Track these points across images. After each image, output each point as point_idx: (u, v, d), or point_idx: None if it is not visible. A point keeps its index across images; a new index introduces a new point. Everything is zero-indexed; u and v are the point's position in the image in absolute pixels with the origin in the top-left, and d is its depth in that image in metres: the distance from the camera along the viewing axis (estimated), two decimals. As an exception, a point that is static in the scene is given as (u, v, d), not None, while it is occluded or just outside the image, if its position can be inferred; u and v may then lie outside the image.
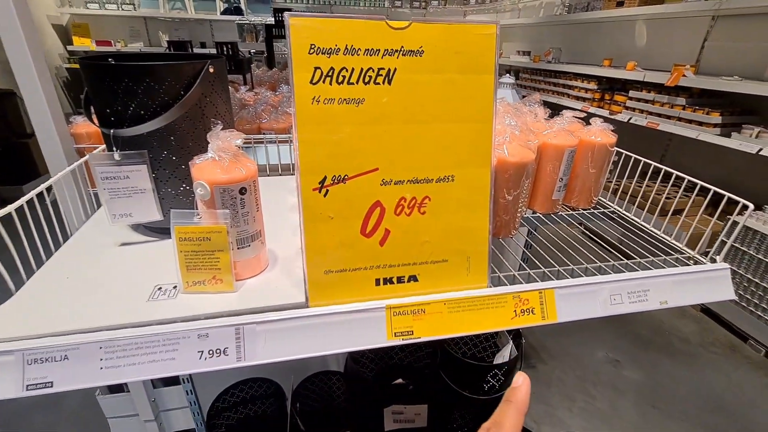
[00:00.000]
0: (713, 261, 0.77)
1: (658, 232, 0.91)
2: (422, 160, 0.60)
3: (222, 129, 0.56)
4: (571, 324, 0.66)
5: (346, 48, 0.54)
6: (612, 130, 0.95)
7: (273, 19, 3.02)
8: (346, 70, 0.55)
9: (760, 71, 2.73)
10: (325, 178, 0.57)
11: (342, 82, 0.55)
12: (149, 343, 0.54)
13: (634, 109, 3.43)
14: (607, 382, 2.29)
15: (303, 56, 0.53)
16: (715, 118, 2.78)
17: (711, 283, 0.73)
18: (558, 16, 4.66)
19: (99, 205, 0.97)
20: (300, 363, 1.46)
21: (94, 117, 0.70)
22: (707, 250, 0.78)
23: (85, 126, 1.20)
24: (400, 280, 0.63)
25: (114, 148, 0.65)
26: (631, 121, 3.39)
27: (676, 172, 0.91)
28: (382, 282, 0.62)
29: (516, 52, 5.45)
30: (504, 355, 1.06)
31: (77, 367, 0.53)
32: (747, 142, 2.60)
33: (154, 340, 0.54)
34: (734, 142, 2.64)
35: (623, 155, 1.01)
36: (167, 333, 0.54)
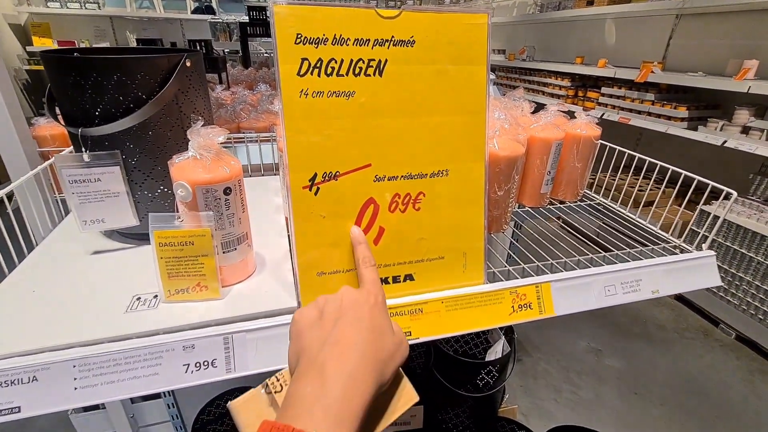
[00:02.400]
0: (699, 249, 0.78)
1: (644, 223, 0.92)
2: (416, 154, 0.58)
3: (203, 125, 0.52)
4: (553, 316, 0.66)
5: (335, 38, 0.52)
6: (597, 123, 0.95)
7: (247, 17, 2.95)
8: (335, 61, 0.52)
9: (723, 67, 2.85)
10: (315, 175, 0.54)
11: (331, 74, 0.52)
12: (129, 359, 0.50)
13: (606, 105, 3.53)
14: (590, 371, 2.34)
15: (289, 46, 0.50)
16: (682, 112, 2.89)
17: (699, 270, 0.74)
18: (531, 15, 4.75)
19: (67, 212, 0.91)
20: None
21: (59, 116, 0.65)
22: (710, 238, 0.79)
23: (49, 128, 1.13)
24: (396, 279, 0.61)
25: (83, 149, 0.60)
26: (604, 117, 3.49)
27: (660, 163, 0.93)
28: (377, 282, 0.60)
29: (492, 51, 5.52)
30: (497, 351, 1.06)
31: (48, 389, 0.48)
32: (712, 134, 2.71)
33: (135, 355, 0.50)
34: (701, 135, 2.75)
35: (607, 147, 1.02)
36: (149, 346, 0.50)
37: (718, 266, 2.51)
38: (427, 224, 0.61)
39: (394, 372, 0.44)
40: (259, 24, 2.94)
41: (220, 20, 3.56)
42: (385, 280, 0.60)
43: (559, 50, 4.57)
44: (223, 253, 0.57)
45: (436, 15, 0.55)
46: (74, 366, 0.48)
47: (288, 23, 0.50)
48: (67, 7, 5.48)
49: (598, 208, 0.99)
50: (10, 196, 0.70)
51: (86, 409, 1.62)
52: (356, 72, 0.53)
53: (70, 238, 0.76)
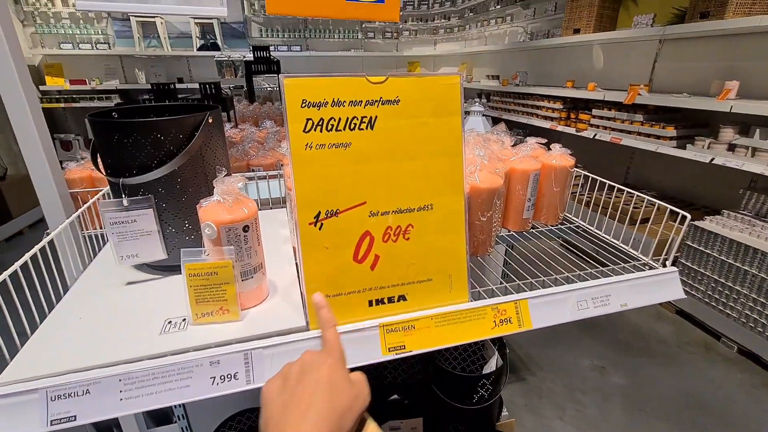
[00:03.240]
0: (665, 266, 0.87)
1: (618, 242, 1.01)
2: (404, 192, 0.69)
3: (225, 175, 0.63)
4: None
5: (333, 101, 0.63)
6: (570, 154, 1.06)
7: (252, 56, 3.15)
8: (334, 120, 0.64)
9: (706, 88, 2.99)
10: (319, 213, 0.65)
11: (331, 130, 0.64)
12: (165, 373, 0.59)
13: (598, 126, 3.67)
14: (594, 388, 2.36)
15: (296, 110, 0.62)
16: (671, 131, 3.01)
17: (663, 285, 0.83)
18: (522, 43, 4.97)
19: (94, 248, 1.01)
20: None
21: (101, 166, 0.76)
22: (671, 256, 0.88)
23: (79, 171, 1.25)
24: (390, 300, 0.70)
25: (122, 195, 0.71)
26: (596, 137, 3.62)
27: (637, 193, 1.01)
28: (374, 303, 0.69)
29: (486, 77, 5.74)
30: (491, 366, 1.13)
31: (98, 400, 0.57)
32: (700, 152, 2.82)
33: (170, 370, 0.59)
34: (689, 153, 2.86)
35: (590, 178, 1.12)
36: (181, 362, 0.60)
37: (716, 280, 2.56)
38: (416, 251, 0.70)
39: (356, 419, 0.49)
40: (263, 62, 3.14)
41: (226, 58, 3.78)
42: (380, 301, 0.70)
43: (551, 75, 4.76)
44: (242, 280, 0.67)
45: (417, 79, 0.67)
46: (120, 380, 0.58)
47: (295, 92, 0.61)
48: (79, 48, 5.81)
49: (577, 230, 1.08)
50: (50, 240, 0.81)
51: (102, 434, 1.68)
52: (351, 127, 0.65)
53: (105, 272, 0.86)
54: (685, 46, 3.31)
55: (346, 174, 0.65)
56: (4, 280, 0.63)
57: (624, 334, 2.83)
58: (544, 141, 1.09)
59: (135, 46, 6.01)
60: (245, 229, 0.65)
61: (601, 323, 2.92)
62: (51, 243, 0.84)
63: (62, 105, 5.89)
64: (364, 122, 0.65)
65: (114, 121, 0.71)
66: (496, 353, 1.11)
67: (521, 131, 4.89)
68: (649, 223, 3.02)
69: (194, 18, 6.11)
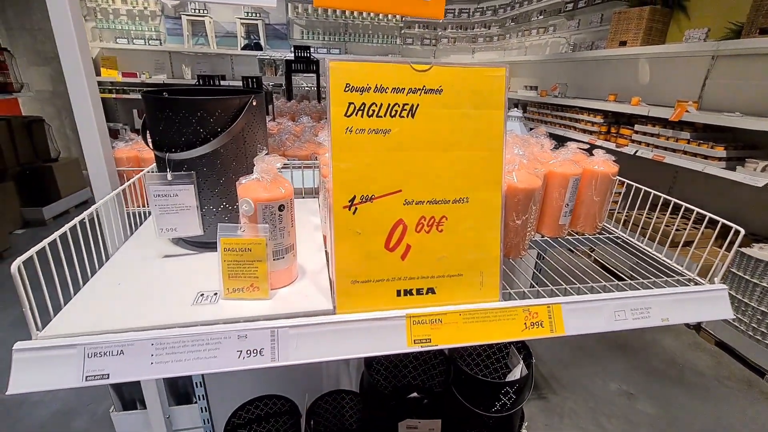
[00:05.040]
0: (712, 282, 0.82)
1: (661, 256, 0.96)
2: (440, 183, 0.68)
3: (266, 154, 0.64)
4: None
5: (376, 87, 0.63)
6: (614, 161, 1.02)
7: (293, 55, 3.23)
8: (376, 105, 0.64)
9: (761, 108, 2.82)
10: (354, 197, 0.65)
11: (372, 115, 0.64)
12: (194, 342, 0.60)
13: (640, 143, 3.52)
14: (620, 414, 2.25)
15: (339, 93, 0.62)
16: (720, 152, 2.85)
17: (709, 302, 0.78)
18: (564, 54, 4.86)
19: (136, 224, 1.06)
20: (314, 382, 1.49)
21: (149, 141, 0.80)
22: (720, 273, 0.82)
23: (126, 151, 1.31)
24: (419, 291, 0.69)
25: (167, 169, 0.74)
26: (637, 154, 3.48)
27: (685, 204, 0.95)
28: (403, 293, 0.68)
29: (523, 87, 5.65)
30: (515, 374, 1.09)
31: (130, 361, 0.59)
32: (752, 175, 2.65)
33: (199, 340, 0.60)
34: (739, 176, 2.70)
35: (633, 187, 1.06)
36: (211, 333, 0.61)
37: (763, 312, 2.39)
38: (449, 244, 0.69)
39: None
40: (303, 61, 3.21)
41: (268, 56, 3.90)
42: (409, 292, 0.69)
43: (592, 87, 4.62)
44: (274, 260, 0.68)
45: (461, 69, 0.66)
46: (152, 344, 0.59)
47: (340, 75, 0.62)
48: (133, 43, 6.17)
49: (617, 241, 1.04)
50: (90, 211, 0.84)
51: (125, 407, 1.75)
52: (392, 114, 0.65)
53: (144, 245, 0.90)
54: (740, 63, 3.14)
55: (383, 160, 0.65)
56: (54, 241, 0.66)
57: (657, 361, 2.68)
58: (587, 146, 1.05)
59: (184, 43, 6.32)
60: (281, 208, 0.65)
61: (633, 346, 2.78)
62: (96, 214, 0.88)
63: (113, 96, 6.26)
64: (406, 110, 0.65)
65: (165, 97, 0.74)
66: (522, 362, 1.07)
67: (558, 144, 4.77)
68: (693, 247, 2.86)
69: (240, 19, 6.37)
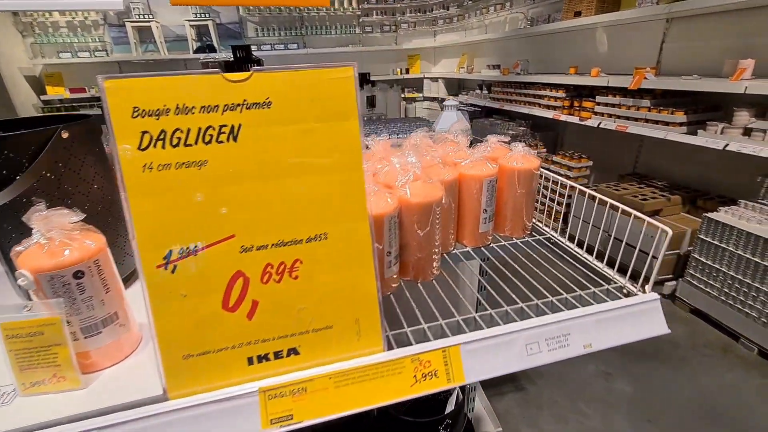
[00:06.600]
0: (643, 291, 0.70)
1: (591, 258, 0.84)
2: (287, 219, 0.54)
3: (48, 207, 0.49)
4: None
5: (178, 107, 0.49)
6: (536, 154, 0.89)
7: (233, 55, 3.01)
8: (181, 131, 0.49)
9: (718, 68, 2.73)
10: (170, 252, 0.50)
11: (177, 145, 0.49)
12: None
13: (602, 114, 3.43)
14: (599, 397, 2.19)
15: (125, 121, 0.47)
16: (680, 117, 2.78)
17: (640, 317, 0.66)
18: (523, 30, 4.72)
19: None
20: None
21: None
22: (653, 278, 0.71)
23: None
24: (277, 355, 0.56)
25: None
26: (601, 126, 3.39)
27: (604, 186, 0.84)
28: (255, 360, 0.55)
29: (486, 66, 5.51)
30: (452, 401, 0.97)
31: None
32: (713, 138, 2.57)
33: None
34: (701, 140, 2.62)
35: (559, 183, 0.94)
36: (-10, 451, 0.46)
37: (732, 277, 2.33)
38: (308, 293, 0.56)
39: None
40: (245, 62, 3.00)
41: (212, 59, 3.66)
42: (264, 357, 0.55)
43: (553, 62, 4.50)
44: (85, 338, 0.54)
45: (293, 73, 0.52)
46: None
47: (122, 97, 0.47)
48: (78, 57, 5.83)
49: (547, 243, 0.91)
50: None
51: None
52: (206, 140, 0.50)
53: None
54: (695, 24, 3.05)
55: (203, 200, 0.51)
56: None
57: (632, 338, 2.62)
58: (507, 140, 0.92)
59: (132, 51, 6.01)
60: (77, 275, 0.51)
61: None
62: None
63: (63, 114, 5.94)
64: (224, 132, 0.50)
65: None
66: (457, 387, 0.96)
67: (524, 122, 4.66)
68: (662, 214, 2.80)
69: (189, 21, 6.06)
